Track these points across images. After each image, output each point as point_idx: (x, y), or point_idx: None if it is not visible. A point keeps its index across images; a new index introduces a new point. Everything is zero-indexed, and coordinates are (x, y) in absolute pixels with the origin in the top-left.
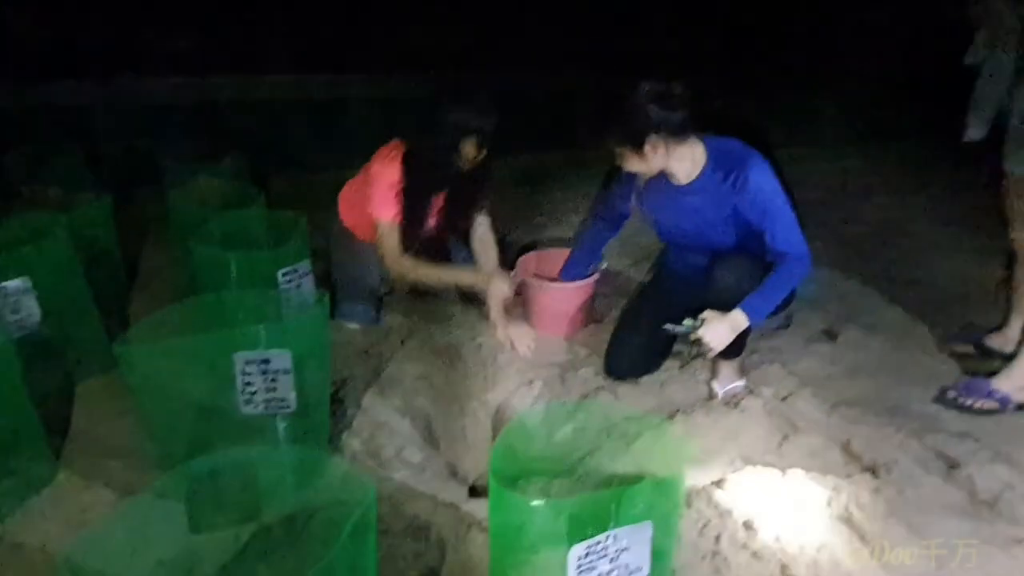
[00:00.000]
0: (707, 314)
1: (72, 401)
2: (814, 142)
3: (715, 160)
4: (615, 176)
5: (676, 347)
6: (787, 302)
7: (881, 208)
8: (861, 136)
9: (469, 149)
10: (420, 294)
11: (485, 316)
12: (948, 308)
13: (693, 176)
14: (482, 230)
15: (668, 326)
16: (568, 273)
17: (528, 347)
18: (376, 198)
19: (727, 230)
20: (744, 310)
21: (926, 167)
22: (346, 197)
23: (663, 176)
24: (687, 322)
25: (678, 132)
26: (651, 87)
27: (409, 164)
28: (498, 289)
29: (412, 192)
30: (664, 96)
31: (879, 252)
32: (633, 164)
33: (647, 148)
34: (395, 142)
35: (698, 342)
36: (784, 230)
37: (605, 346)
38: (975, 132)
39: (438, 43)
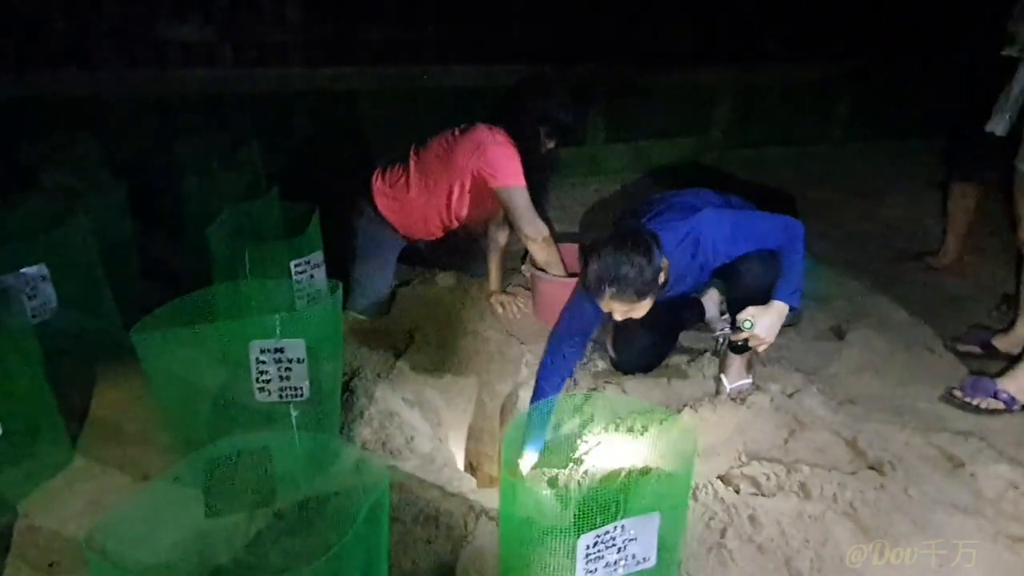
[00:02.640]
0: (752, 311)
1: (89, 387)
2: (826, 139)
3: (675, 251)
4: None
5: (686, 344)
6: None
7: (891, 206)
8: (872, 134)
9: (545, 138)
10: (430, 287)
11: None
12: (956, 308)
13: (664, 279)
14: (500, 236)
15: (719, 333)
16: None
17: (515, 312)
18: (504, 169)
19: (709, 277)
20: (781, 299)
21: (937, 166)
22: (383, 189)
23: None
24: (747, 324)
25: (662, 259)
26: (631, 243)
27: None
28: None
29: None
30: (642, 242)
31: (888, 250)
32: (642, 309)
33: (661, 280)
34: (482, 125)
35: (746, 340)
36: (765, 235)
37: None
38: (996, 126)
39: (447, 36)
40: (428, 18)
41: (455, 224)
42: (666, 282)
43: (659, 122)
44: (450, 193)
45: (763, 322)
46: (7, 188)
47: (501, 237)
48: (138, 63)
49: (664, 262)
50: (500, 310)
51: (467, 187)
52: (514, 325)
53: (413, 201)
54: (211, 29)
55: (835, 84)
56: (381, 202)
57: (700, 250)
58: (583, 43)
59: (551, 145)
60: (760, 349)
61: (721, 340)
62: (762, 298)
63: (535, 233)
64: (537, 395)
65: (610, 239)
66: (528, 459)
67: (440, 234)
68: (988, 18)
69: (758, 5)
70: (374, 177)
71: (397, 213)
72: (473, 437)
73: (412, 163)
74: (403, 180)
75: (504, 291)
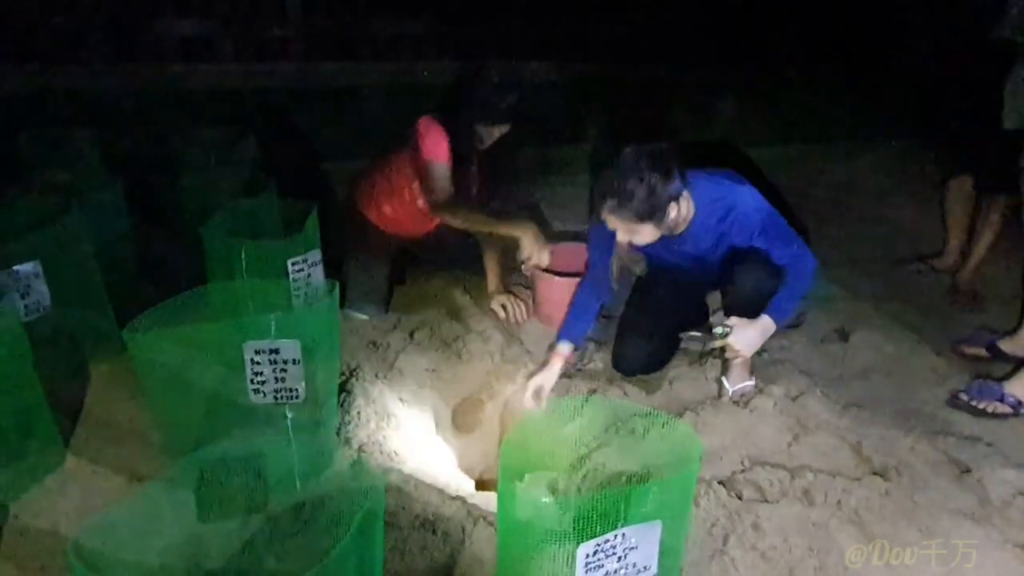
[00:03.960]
0: (734, 320)
1: (83, 386)
2: (827, 140)
3: (705, 204)
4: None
5: (685, 343)
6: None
7: (894, 208)
8: (875, 135)
9: (483, 128)
10: (429, 286)
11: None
12: (961, 310)
13: (685, 224)
14: (492, 249)
15: (692, 334)
16: (567, 334)
17: (519, 317)
18: (428, 143)
19: (719, 257)
20: (771, 315)
21: (940, 168)
22: (363, 190)
23: None
24: (718, 330)
25: (683, 186)
26: (649, 157)
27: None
28: (530, 242)
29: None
30: (663, 161)
31: (891, 251)
32: (651, 235)
33: (670, 215)
34: (426, 118)
35: (724, 349)
36: (787, 244)
37: (612, 341)
38: (1010, 119)
39: (450, 32)
40: (428, 14)
41: (431, 220)
42: (680, 231)
43: (661, 121)
44: (409, 187)
45: (741, 334)
46: (3, 184)
47: (495, 255)
48: (137, 58)
49: (685, 195)
50: (502, 314)
51: (418, 176)
52: (518, 328)
53: (385, 203)
54: (210, 24)
55: (837, 84)
56: (363, 204)
57: (729, 219)
58: (585, 41)
59: (497, 133)
60: (735, 361)
61: (699, 343)
62: (751, 309)
63: (444, 210)
64: (573, 307)
65: (633, 151)
66: (561, 351)
67: (422, 231)
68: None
69: (760, 5)
70: (356, 184)
71: (377, 214)
72: (472, 439)
73: (380, 166)
74: (372, 184)
75: (505, 290)
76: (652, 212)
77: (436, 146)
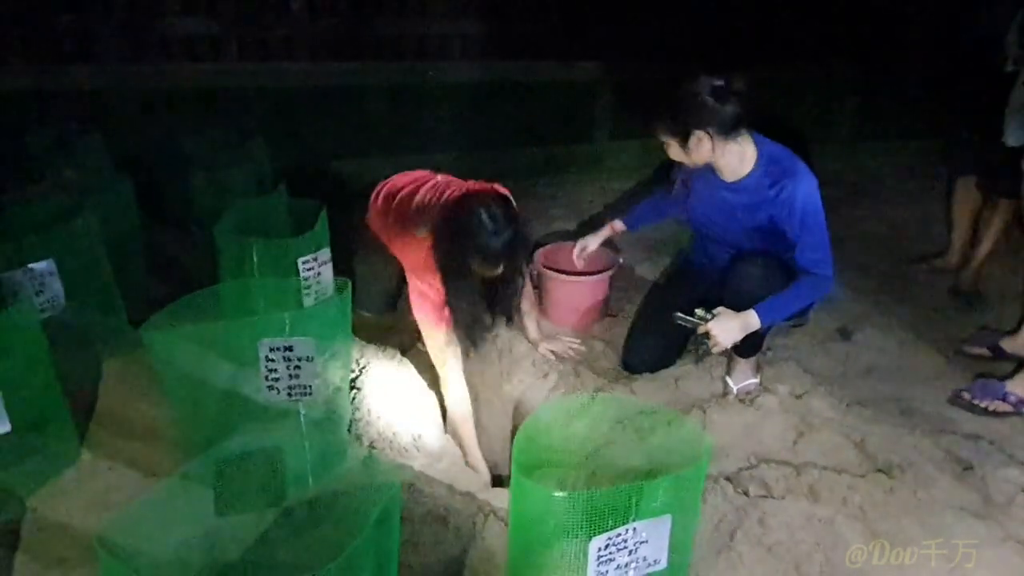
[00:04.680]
0: (720, 310)
1: (95, 382)
2: (831, 138)
3: (765, 165)
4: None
5: (678, 324)
6: (804, 310)
7: (898, 207)
8: (879, 133)
9: (480, 268)
10: None
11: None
12: (964, 310)
13: (739, 175)
14: (525, 306)
15: (679, 315)
16: (627, 215)
17: (572, 349)
18: (424, 316)
19: (757, 233)
20: (758, 312)
21: (947, 167)
22: (375, 206)
23: (709, 167)
24: (699, 312)
25: (728, 129)
26: (709, 80)
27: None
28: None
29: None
30: (720, 91)
31: (895, 251)
32: (677, 155)
33: (692, 142)
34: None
35: (706, 335)
36: (814, 249)
37: (620, 340)
38: (1011, 137)
39: (455, 32)
40: (433, 13)
41: None
42: (733, 179)
43: None
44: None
45: (722, 323)
46: (14, 183)
47: (526, 291)
48: (143, 57)
49: (750, 147)
50: (552, 357)
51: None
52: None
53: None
54: (215, 23)
55: (841, 82)
56: (372, 219)
57: (779, 187)
58: (588, 39)
59: (495, 271)
60: (713, 349)
61: (686, 325)
62: (740, 304)
63: (443, 373)
64: (645, 202)
65: (694, 77)
66: (614, 225)
67: None
68: (984, 15)
69: (763, 4)
70: (373, 195)
71: (383, 233)
72: (481, 435)
73: (385, 206)
74: (375, 215)
75: (545, 337)
76: (673, 131)
77: (432, 320)
